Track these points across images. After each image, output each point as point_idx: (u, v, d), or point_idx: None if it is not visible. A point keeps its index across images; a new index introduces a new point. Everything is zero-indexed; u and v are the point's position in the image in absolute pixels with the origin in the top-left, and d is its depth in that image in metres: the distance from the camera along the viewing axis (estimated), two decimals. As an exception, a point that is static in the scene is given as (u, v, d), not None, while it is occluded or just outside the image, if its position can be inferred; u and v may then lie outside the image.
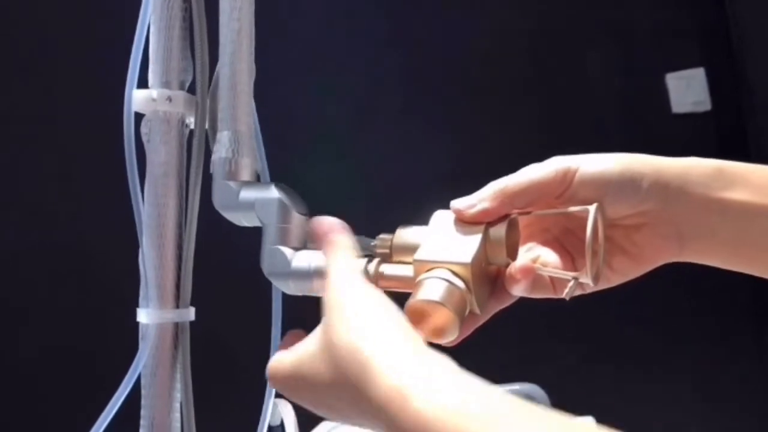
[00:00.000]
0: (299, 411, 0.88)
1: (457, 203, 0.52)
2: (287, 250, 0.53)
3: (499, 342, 1.33)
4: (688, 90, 1.94)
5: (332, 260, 0.49)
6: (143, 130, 0.59)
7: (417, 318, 0.47)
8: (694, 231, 0.52)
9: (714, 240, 0.52)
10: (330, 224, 0.52)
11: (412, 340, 0.41)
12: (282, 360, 0.46)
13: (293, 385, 0.46)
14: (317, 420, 1.20)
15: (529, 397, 1.56)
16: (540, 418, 0.35)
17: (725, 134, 1.94)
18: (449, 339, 0.48)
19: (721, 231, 0.52)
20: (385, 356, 0.39)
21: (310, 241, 0.54)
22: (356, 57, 1.92)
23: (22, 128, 1.81)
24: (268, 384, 0.62)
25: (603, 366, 1.93)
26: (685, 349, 1.90)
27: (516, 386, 1.58)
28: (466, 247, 0.50)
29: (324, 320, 0.44)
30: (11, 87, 1.79)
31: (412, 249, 0.51)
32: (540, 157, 0.54)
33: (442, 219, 0.53)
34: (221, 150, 0.56)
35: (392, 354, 0.39)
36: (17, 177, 1.80)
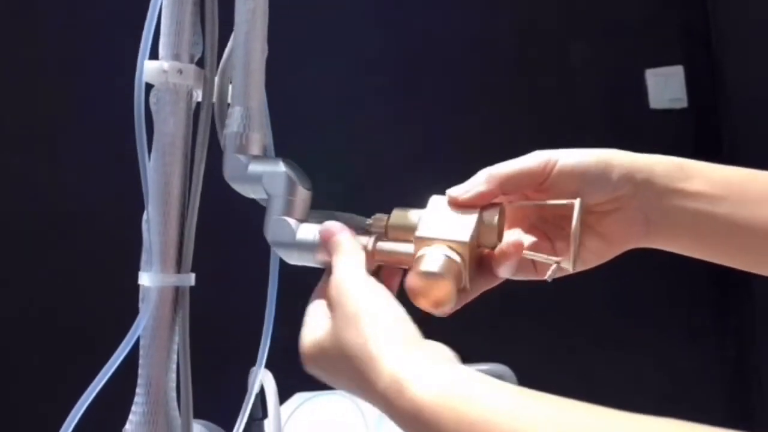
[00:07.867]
0: (278, 381, 0.91)
1: (453, 190, 0.57)
2: (292, 221, 0.56)
3: (469, 323, 1.36)
4: (666, 87, 1.97)
5: (338, 259, 0.53)
6: (151, 100, 0.60)
7: (418, 288, 0.51)
8: (659, 217, 0.57)
9: (676, 226, 0.58)
10: (335, 227, 0.55)
11: (409, 334, 0.47)
12: (306, 337, 0.52)
13: (312, 363, 0.51)
14: (294, 389, 1.24)
15: (499, 377, 1.59)
16: (528, 397, 0.43)
17: (700, 131, 1.98)
18: (445, 309, 0.52)
19: (682, 218, 0.57)
20: (387, 352, 0.45)
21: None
22: (344, 42, 1.93)
23: (35, 97, 1.82)
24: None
25: (569, 348, 1.98)
26: (648, 333, 1.96)
27: (485, 366, 1.62)
28: (463, 227, 0.54)
29: (333, 315, 0.50)
30: (26, 57, 1.80)
31: (408, 229, 0.55)
32: (520, 144, 0.59)
33: (438, 203, 0.57)
34: (233, 124, 0.58)
35: (392, 349, 0.45)
36: (31, 143, 1.82)
